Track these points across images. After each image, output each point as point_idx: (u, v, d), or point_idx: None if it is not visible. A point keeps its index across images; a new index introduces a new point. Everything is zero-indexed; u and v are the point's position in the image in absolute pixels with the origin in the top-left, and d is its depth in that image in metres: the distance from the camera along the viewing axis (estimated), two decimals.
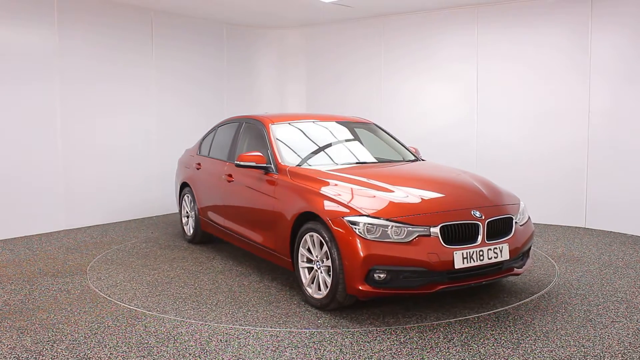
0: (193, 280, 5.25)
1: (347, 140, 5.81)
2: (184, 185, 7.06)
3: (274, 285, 5.05)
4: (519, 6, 7.86)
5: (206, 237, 6.63)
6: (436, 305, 4.45)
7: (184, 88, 9.06)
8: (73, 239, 7.04)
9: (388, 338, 3.81)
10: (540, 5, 7.70)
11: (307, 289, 4.48)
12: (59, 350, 3.64)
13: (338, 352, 3.58)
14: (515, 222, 4.45)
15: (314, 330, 3.97)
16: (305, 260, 4.50)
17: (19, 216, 7.12)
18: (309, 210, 4.40)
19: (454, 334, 3.87)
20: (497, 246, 4.21)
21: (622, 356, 3.50)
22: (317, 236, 4.31)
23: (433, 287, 4.03)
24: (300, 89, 10.19)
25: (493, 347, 3.65)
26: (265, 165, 5.14)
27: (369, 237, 3.98)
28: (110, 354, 3.58)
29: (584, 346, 3.66)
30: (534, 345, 3.68)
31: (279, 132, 5.50)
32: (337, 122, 6.03)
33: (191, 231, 6.80)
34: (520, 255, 4.45)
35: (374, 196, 4.30)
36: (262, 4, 8.30)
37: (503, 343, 3.72)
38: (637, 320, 4.12)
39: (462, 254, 4.04)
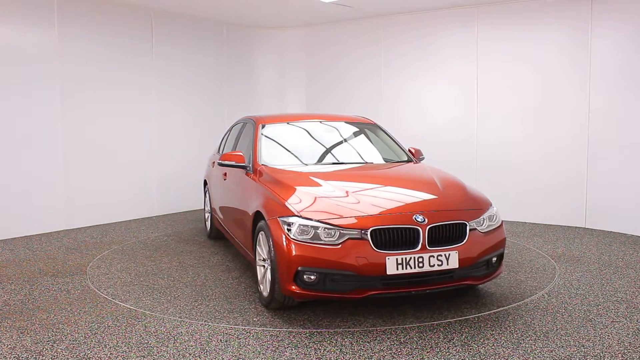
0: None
1: (336, 141, 5.80)
2: (205, 183, 7.37)
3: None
4: (519, 6, 7.86)
5: (221, 234, 6.76)
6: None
7: (184, 88, 9.06)
8: (73, 239, 7.04)
9: (388, 338, 3.81)
10: (541, 5, 7.70)
11: (260, 286, 4.52)
12: (59, 350, 3.64)
13: (338, 352, 3.58)
14: (472, 229, 4.15)
15: (314, 330, 3.97)
16: (261, 258, 4.52)
17: (19, 216, 7.12)
18: (259, 209, 4.48)
19: (454, 334, 3.87)
20: (442, 253, 3.97)
21: (622, 356, 3.50)
22: (264, 235, 4.35)
23: (363, 292, 3.92)
24: (300, 89, 10.19)
25: (493, 347, 3.65)
26: (244, 164, 5.31)
27: (299, 237, 3.95)
28: (110, 354, 3.58)
29: (584, 346, 3.66)
30: (534, 345, 3.68)
31: (268, 132, 5.61)
32: (336, 122, 6.04)
33: (208, 227, 7.08)
34: (478, 264, 4.15)
35: (314, 197, 4.29)
36: (262, 4, 8.30)
37: (503, 343, 3.72)
38: (637, 320, 4.12)
39: (397, 259, 3.87)
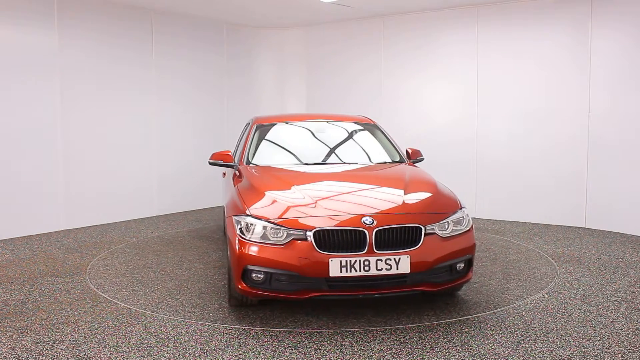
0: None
1: (328, 141, 5.79)
2: None
3: None
4: (519, 5, 7.86)
5: None
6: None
7: (184, 88, 9.06)
8: (73, 239, 7.04)
9: (388, 338, 3.81)
10: (541, 5, 7.70)
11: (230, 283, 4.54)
12: (59, 350, 3.64)
13: (338, 352, 3.58)
14: (430, 233, 4.02)
15: (314, 330, 3.97)
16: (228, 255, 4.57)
17: (19, 216, 7.11)
18: (224, 207, 4.60)
19: (454, 334, 3.87)
20: (391, 257, 3.87)
21: (622, 356, 3.50)
22: None
23: (307, 293, 3.91)
24: (300, 89, 10.18)
25: (493, 347, 3.65)
26: (231, 163, 5.45)
27: (247, 236, 4.00)
28: (110, 354, 3.58)
29: (584, 346, 3.66)
30: (534, 345, 3.68)
31: (262, 132, 5.73)
32: (335, 122, 6.05)
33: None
34: (436, 270, 4.02)
35: (269, 197, 4.32)
36: (262, 4, 8.30)
37: (503, 343, 3.72)
38: (637, 320, 4.12)
39: (340, 262, 3.81)
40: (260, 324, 4.09)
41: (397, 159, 5.56)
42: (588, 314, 4.26)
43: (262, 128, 5.81)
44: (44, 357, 3.54)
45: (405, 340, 3.77)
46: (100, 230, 7.55)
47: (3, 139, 6.94)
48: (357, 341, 3.76)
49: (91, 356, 3.55)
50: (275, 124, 5.94)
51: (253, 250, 3.95)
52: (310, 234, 3.88)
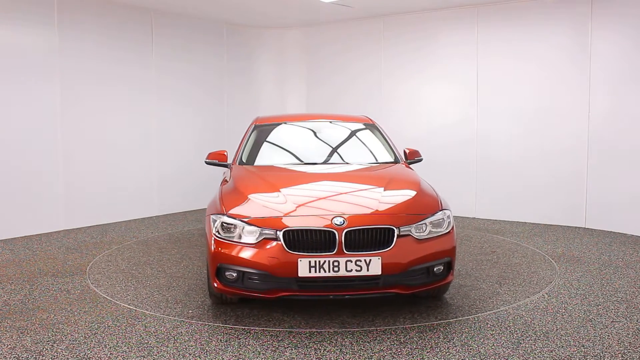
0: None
1: (323, 141, 5.80)
2: None
3: None
4: (520, 6, 7.86)
5: None
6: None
7: (184, 88, 9.06)
8: (73, 239, 7.04)
9: (388, 338, 3.81)
10: (541, 5, 7.70)
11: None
12: (59, 350, 3.64)
13: (338, 352, 3.58)
14: (404, 235, 3.96)
15: (314, 330, 3.97)
16: None
17: (19, 216, 7.11)
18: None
19: (454, 334, 3.87)
20: (361, 259, 3.83)
21: (622, 356, 3.50)
22: None
23: (277, 292, 3.93)
24: (300, 89, 10.19)
25: (493, 347, 3.65)
26: (225, 163, 5.50)
27: (222, 235, 4.06)
28: (110, 354, 3.58)
29: (584, 346, 3.66)
30: (534, 345, 3.68)
31: (259, 132, 5.76)
32: (333, 122, 6.06)
33: None
34: (411, 272, 3.97)
35: (246, 196, 4.36)
36: (262, 4, 8.30)
37: (503, 343, 3.72)
38: (637, 320, 4.12)
39: (309, 262, 3.81)
40: (260, 324, 4.10)
41: (392, 159, 5.45)
42: (588, 314, 4.26)
43: (259, 128, 5.85)
44: (44, 357, 3.54)
45: (405, 340, 3.77)
46: (100, 230, 7.55)
47: (3, 139, 6.94)
48: (357, 341, 3.76)
49: (91, 356, 3.55)
50: (273, 124, 5.95)
51: (227, 249, 4.01)
52: (280, 233, 3.89)
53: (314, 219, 3.97)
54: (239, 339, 3.82)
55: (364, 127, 5.95)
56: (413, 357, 3.51)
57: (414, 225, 4.04)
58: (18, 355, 3.57)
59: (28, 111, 7.14)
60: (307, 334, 3.89)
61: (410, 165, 5.62)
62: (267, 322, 4.13)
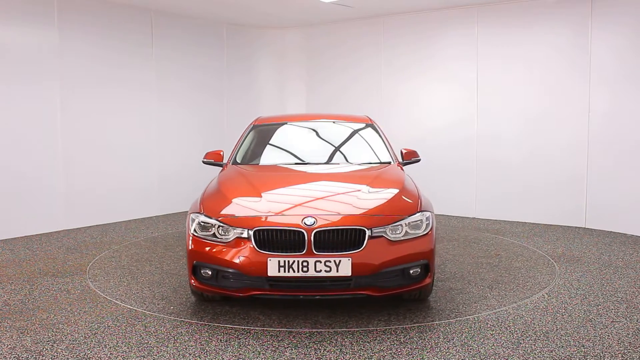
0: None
1: (318, 141, 5.81)
2: None
3: None
4: (519, 6, 7.86)
5: None
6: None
7: (183, 88, 9.06)
8: (73, 239, 7.04)
9: (388, 338, 3.81)
10: (541, 5, 7.70)
11: None
12: (59, 350, 3.64)
13: (338, 352, 3.58)
14: (376, 236, 3.93)
15: (314, 330, 3.97)
16: None
17: (19, 216, 7.11)
18: None
19: (454, 334, 3.87)
20: (331, 259, 3.82)
21: (622, 356, 3.51)
22: None
23: (248, 291, 3.97)
24: (300, 89, 10.19)
25: (493, 347, 3.65)
26: (221, 162, 5.56)
27: (199, 234, 4.13)
28: (110, 354, 3.58)
29: (584, 346, 3.66)
30: (534, 345, 3.68)
31: (257, 132, 5.81)
32: (332, 122, 6.07)
33: None
34: (384, 274, 3.93)
35: (225, 196, 4.41)
36: (262, 4, 8.30)
37: (503, 343, 3.72)
38: (637, 320, 4.12)
39: (279, 261, 3.83)
40: (260, 324, 4.10)
41: (385, 160, 5.38)
42: (588, 314, 4.26)
43: (257, 128, 5.90)
44: (44, 357, 3.54)
45: (405, 340, 3.77)
46: (100, 230, 7.55)
47: (3, 139, 6.93)
48: (357, 341, 3.76)
49: (91, 356, 3.55)
50: (270, 124, 6.00)
51: (202, 247, 4.09)
52: (251, 233, 3.93)
53: (285, 218, 4.01)
54: (239, 339, 3.82)
55: (361, 127, 5.92)
56: (413, 357, 3.51)
57: (389, 226, 4.01)
58: (18, 355, 3.57)
59: (28, 111, 7.14)
60: (307, 334, 3.89)
61: (408, 166, 5.61)
62: (267, 322, 4.13)
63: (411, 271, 4.05)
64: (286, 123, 6.06)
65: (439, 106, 8.66)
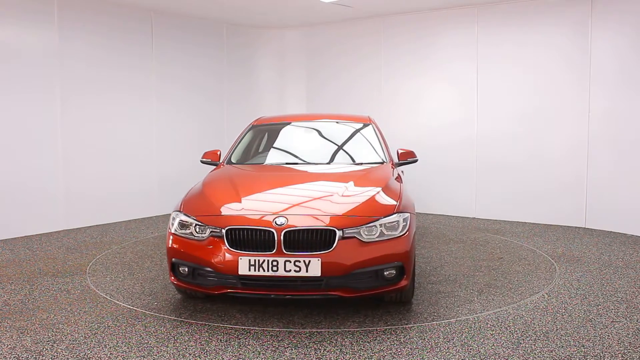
0: None
1: (314, 140, 5.84)
2: None
3: None
4: (519, 6, 7.86)
5: None
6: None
7: (183, 88, 9.05)
8: (73, 239, 7.04)
9: (388, 338, 3.81)
10: (541, 5, 7.70)
11: None
12: (59, 350, 3.64)
13: (338, 352, 3.58)
14: (348, 237, 3.90)
15: (314, 330, 3.97)
16: None
17: (19, 216, 7.11)
18: None
19: (454, 334, 3.87)
20: (300, 259, 3.82)
21: (622, 356, 3.50)
22: None
23: (221, 289, 4.02)
24: (300, 89, 10.19)
25: (493, 347, 3.65)
26: (217, 162, 5.63)
27: (179, 232, 4.21)
28: (110, 354, 3.58)
29: (584, 346, 3.66)
30: (534, 345, 3.68)
31: (255, 132, 5.88)
32: (330, 122, 6.12)
33: None
34: (356, 275, 3.90)
35: (205, 195, 4.48)
36: (262, 4, 8.30)
37: (503, 343, 3.72)
38: (637, 320, 4.12)
39: (249, 260, 3.86)
40: (260, 324, 4.10)
41: (378, 160, 5.35)
42: (588, 314, 4.26)
43: (255, 128, 5.96)
44: (44, 357, 3.54)
45: (405, 340, 3.77)
46: (100, 230, 7.55)
47: (3, 140, 6.93)
48: (357, 341, 3.76)
49: (91, 356, 3.55)
50: (268, 125, 6.03)
51: (180, 245, 4.17)
52: (224, 231, 3.98)
53: (257, 218, 4.03)
54: (239, 339, 3.82)
55: (358, 127, 5.92)
56: (413, 357, 3.51)
57: (363, 226, 3.97)
58: (18, 355, 3.57)
59: (28, 111, 7.14)
60: (307, 334, 3.89)
61: (408, 166, 5.60)
62: (267, 322, 4.13)
63: (385, 273, 3.99)
64: (284, 123, 6.10)
65: (439, 106, 8.66)
